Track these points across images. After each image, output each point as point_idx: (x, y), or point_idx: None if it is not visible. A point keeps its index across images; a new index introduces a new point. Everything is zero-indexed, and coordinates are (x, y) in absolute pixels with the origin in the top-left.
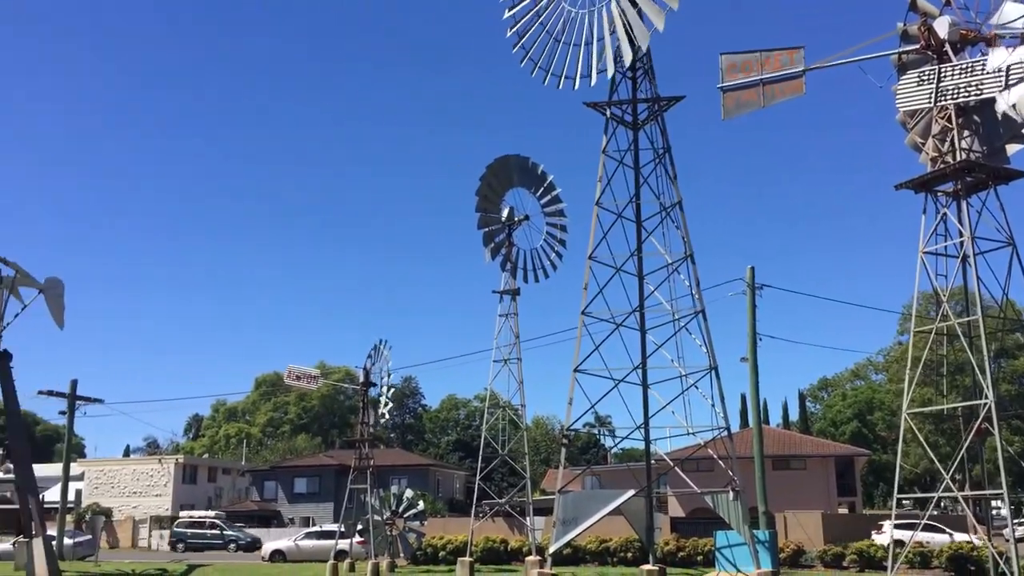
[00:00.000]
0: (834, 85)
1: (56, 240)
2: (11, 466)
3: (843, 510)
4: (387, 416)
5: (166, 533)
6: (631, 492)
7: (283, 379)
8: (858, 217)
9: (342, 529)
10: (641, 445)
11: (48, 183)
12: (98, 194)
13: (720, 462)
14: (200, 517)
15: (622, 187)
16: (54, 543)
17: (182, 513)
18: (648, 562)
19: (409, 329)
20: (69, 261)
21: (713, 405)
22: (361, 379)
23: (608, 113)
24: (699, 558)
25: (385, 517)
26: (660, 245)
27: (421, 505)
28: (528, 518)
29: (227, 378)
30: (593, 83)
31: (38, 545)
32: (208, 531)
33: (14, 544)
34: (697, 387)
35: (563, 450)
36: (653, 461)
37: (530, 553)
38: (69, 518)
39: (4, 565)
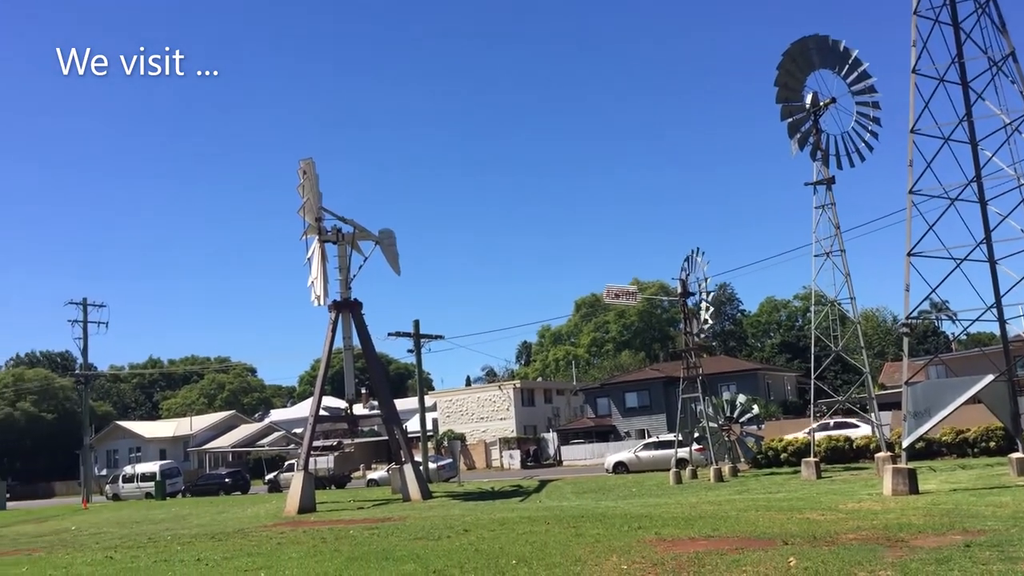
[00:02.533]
0: None
1: (378, 189)
2: (375, 403)
3: None
4: (709, 323)
5: (515, 453)
6: (989, 377)
7: (601, 299)
8: None
9: (679, 438)
10: (989, 328)
11: (364, 142)
12: (409, 144)
13: None
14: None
15: (940, 49)
16: (421, 468)
17: None
18: (1016, 450)
19: (718, 236)
20: (399, 207)
21: None
22: (679, 290)
23: None
24: None
25: (720, 423)
26: (994, 105)
27: (756, 409)
28: (873, 414)
29: (549, 304)
30: None
31: (409, 470)
32: None
33: (388, 471)
34: None
35: (905, 340)
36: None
37: (878, 449)
38: (430, 445)
39: (383, 489)
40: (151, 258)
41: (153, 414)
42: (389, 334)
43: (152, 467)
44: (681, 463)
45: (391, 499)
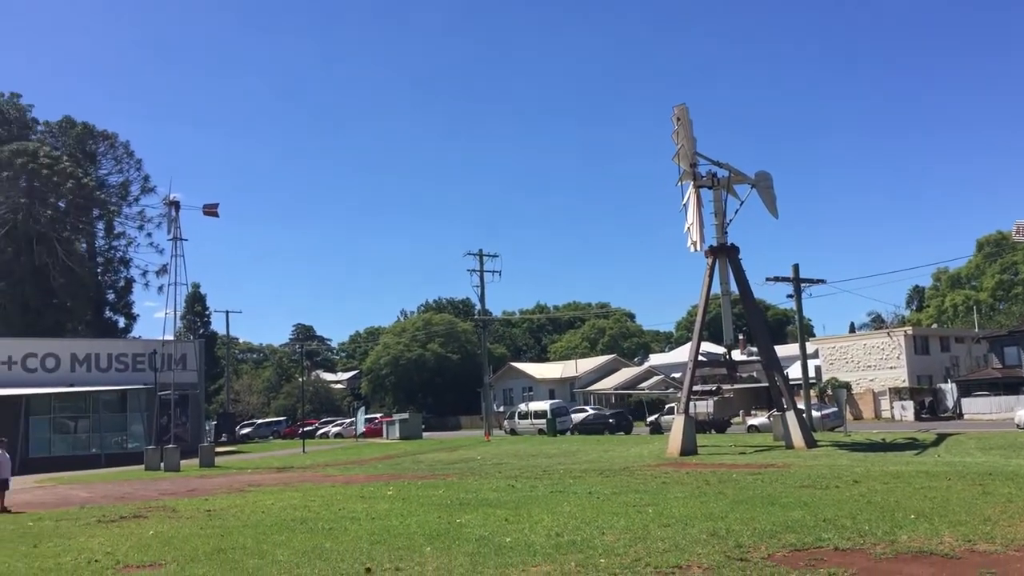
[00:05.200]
0: None
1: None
2: (753, 349)
3: None
4: None
5: (908, 404)
6: None
7: (1010, 237)
8: None
9: None
10: None
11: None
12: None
13: None
14: None
15: None
16: (804, 416)
17: None
18: None
19: None
20: (775, 150)
21: None
22: None
23: None
24: None
25: None
26: None
27: None
28: None
29: (945, 244)
30: None
31: (791, 417)
32: None
33: (769, 417)
34: None
35: None
36: None
37: None
38: (812, 393)
39: (763, 436)
40: (538, 208)
41: (542, 356)
42: (767, 279)
43: (543, 405)
44: None
45: (773, 446)
